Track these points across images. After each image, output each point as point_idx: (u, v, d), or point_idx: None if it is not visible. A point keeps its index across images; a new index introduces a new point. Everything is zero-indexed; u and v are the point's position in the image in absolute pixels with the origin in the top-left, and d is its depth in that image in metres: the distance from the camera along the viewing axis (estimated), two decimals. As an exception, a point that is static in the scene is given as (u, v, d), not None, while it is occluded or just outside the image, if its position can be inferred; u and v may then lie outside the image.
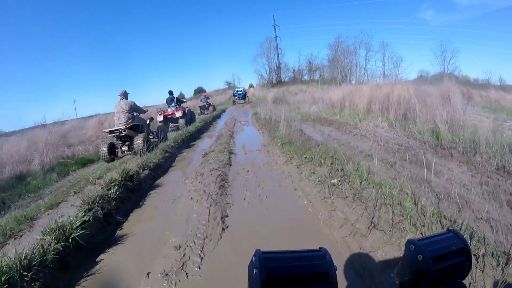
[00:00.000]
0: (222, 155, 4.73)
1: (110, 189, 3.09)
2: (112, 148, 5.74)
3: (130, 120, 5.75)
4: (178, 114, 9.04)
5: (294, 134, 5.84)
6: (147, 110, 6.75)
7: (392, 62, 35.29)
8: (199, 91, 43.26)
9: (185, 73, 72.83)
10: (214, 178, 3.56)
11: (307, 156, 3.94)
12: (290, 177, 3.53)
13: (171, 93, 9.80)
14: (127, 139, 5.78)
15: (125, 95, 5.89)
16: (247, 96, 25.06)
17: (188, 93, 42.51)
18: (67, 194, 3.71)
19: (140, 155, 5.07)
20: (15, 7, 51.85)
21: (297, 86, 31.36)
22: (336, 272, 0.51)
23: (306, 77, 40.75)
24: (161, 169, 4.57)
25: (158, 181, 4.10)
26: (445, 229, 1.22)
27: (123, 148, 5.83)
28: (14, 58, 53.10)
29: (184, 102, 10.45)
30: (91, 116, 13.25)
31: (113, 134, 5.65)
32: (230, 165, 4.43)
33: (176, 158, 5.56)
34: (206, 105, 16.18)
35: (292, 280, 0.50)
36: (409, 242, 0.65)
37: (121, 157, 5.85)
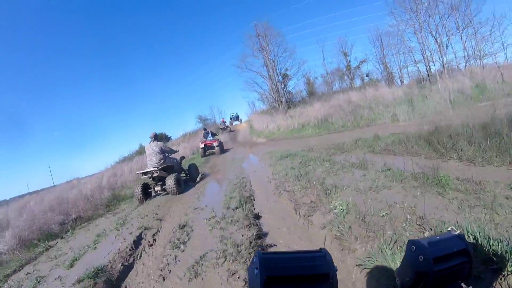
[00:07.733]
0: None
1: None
2: (145, 188, 6.08)
3: (162, 161, 6.08)
4: (215, 144, 13.06)
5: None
6: (178, 150, 7.53)
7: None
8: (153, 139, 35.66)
9: (143, 121, 61.16)
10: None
11: None
12: None
13: (205, 129, 14.56)
14: (160, 179, 6.09)
15: (155, 137, 6.21)
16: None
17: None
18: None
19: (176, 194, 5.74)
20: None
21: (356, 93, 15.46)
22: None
23: (337, 85, 24.95)
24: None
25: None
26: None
27: (156, 188, 6.16)
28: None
29: (217, 135, 14.68)
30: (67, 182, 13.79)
31: (145, 176, 6.03)
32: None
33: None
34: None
35: (292, 280, 0.49)
36: (411, 242, 0.64)
37: (154, 196, 6.21)
